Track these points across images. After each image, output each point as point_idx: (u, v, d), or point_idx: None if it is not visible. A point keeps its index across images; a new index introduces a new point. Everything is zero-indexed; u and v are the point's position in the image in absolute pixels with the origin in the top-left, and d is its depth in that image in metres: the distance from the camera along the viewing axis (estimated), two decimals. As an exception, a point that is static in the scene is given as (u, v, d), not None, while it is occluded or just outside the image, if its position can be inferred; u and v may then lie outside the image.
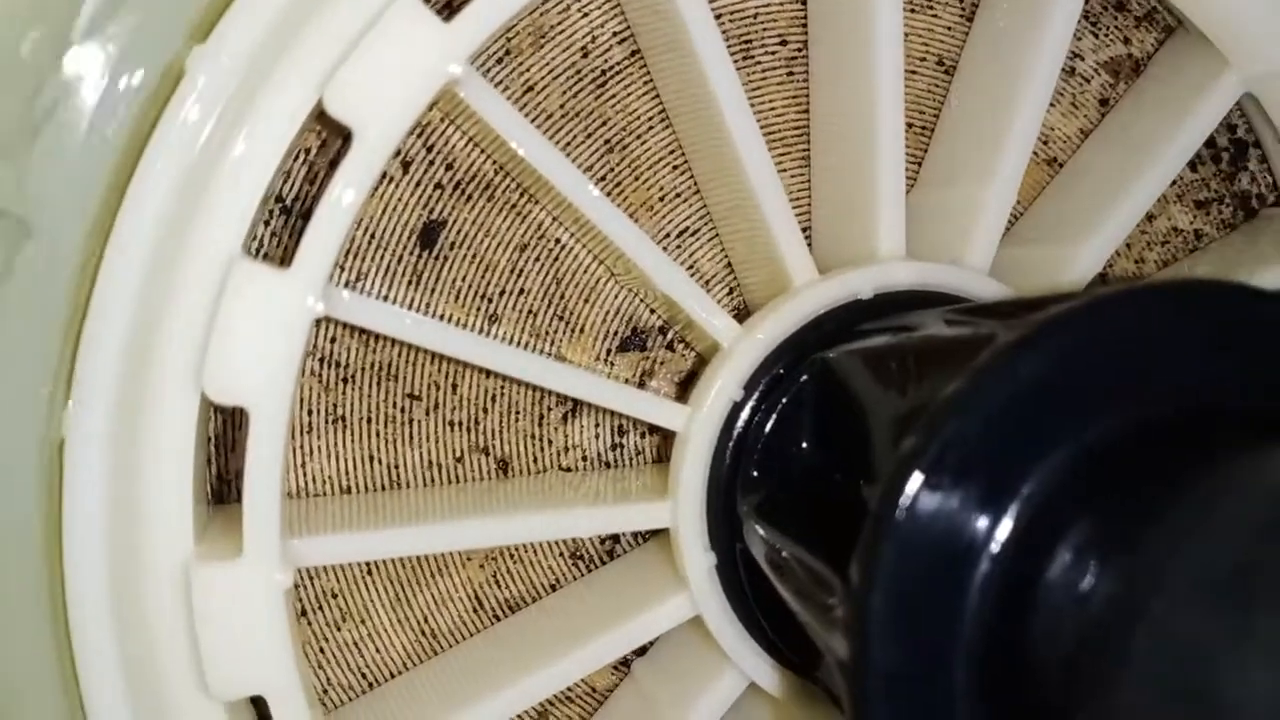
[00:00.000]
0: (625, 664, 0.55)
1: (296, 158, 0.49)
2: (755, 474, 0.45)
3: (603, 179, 0.53)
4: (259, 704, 0.46)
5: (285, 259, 0.42)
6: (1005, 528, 0.34)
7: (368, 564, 0.52)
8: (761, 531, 0.44)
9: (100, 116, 0.39)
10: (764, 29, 0.54)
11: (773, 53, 0.55)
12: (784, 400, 0.46)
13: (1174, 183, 0.59)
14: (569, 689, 0.55)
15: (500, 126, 0.43)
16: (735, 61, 0.50)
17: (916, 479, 0.33)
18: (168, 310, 0.40)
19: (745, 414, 0.46)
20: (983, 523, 0.33)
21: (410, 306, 0.51)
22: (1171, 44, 0.57)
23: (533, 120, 0.51)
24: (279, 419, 0.40)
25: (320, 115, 0.42)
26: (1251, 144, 0.59)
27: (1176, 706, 0.30)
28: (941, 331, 0.41)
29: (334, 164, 0.43)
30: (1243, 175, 0.60)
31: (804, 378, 0.45)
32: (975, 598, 0.34)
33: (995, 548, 0.34)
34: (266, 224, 0.49)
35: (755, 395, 0.46)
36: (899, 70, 0.48)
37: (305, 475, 0.51)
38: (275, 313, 0.40)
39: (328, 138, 0.49)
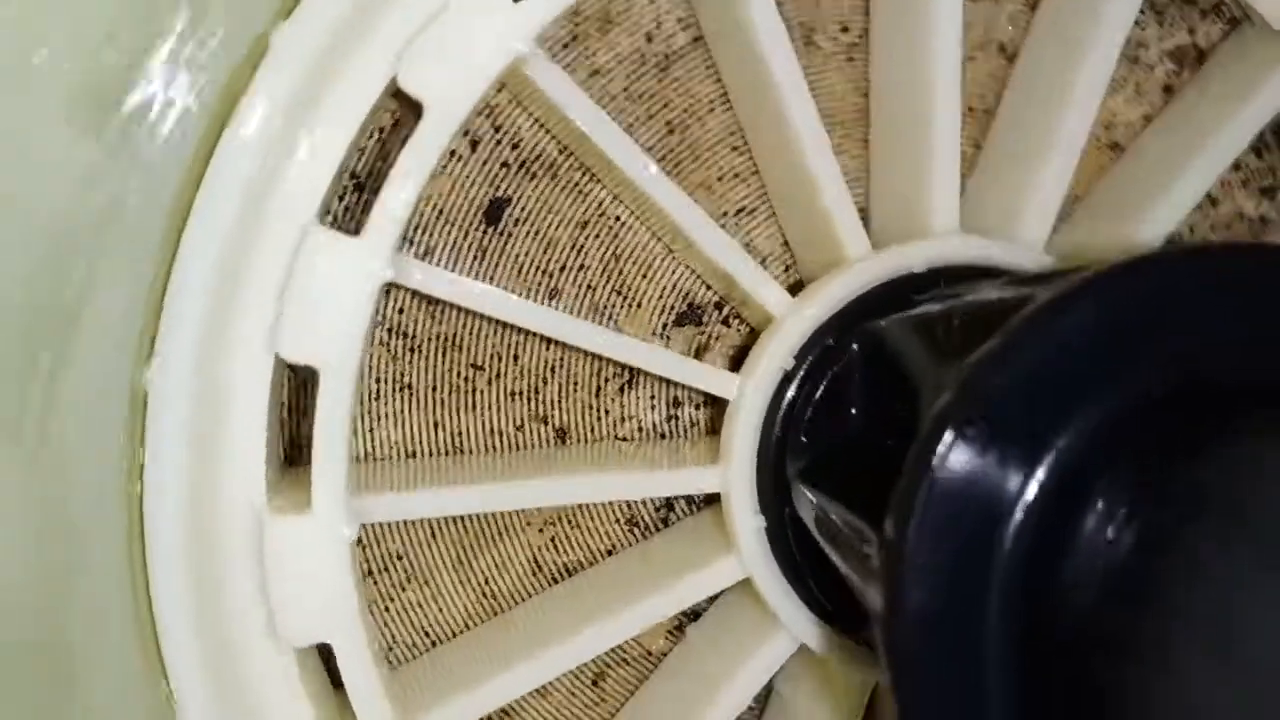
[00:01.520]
0: (680, 629, 0.57)
1: (371, 135, 0.51)
2: (804, 439, 0.47)
3: (663, 159, 0.54)
4: (328, 659, 0.48)
5: (357, 230, 0.44)
6: (1038, 479, 0.35)
7: (432, 528, 0.54)
8: (809, 494, 0.45)
9: (193, 89, 0.42)
10: (826, 16, 0.56)
11: (834, 39, 0.56)
12: (833, 370, 0.47)
13: (1239, 168, 0.59)
14: (625, 651, 0.56)
15: (562, 103, 0.45)
16: (797, 47, 0.51)
17: (950, 433, 0.34)
18: (247, 274, 0.42)
19: (796, 383, 0.47)
20: (1015, 473, 0.34)
21: (476, 280, 0.53)
22: (1237, 35, 0.57)
23: (597, 103, 0.53)
24: (347, 379, 0.42)
25: (395, 93, 0.44)
26: (1320, 132, 0.59)
27: (1206, 649, 0.30)
28: (988, 297, 0.42)
29: (405, 142, 0.46)
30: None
31: (854, 346, 0.46)
32: (1008, 544, 0.35)
33: (1028, 497, 0.35)
34: (341, 199, 0.51)
35: (806, 365, 0.47)
36: (956, 52, 0.49)
37: (373, 440, 0.53)
38: (345, 278, 0.42)
39: (401, 116, 0.51)
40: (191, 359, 0.42)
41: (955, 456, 0.34)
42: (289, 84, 0.42)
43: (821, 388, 0.47)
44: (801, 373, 0.47)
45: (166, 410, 0.42)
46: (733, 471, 0.47)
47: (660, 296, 0.55)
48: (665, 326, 0.55)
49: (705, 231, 0.48)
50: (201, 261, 0.42)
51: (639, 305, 0.55)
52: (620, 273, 0.55)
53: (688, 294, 0.55)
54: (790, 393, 0.47)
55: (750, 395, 0.47)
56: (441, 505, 0.48)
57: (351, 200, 0.51)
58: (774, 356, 0.47)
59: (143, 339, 0.43)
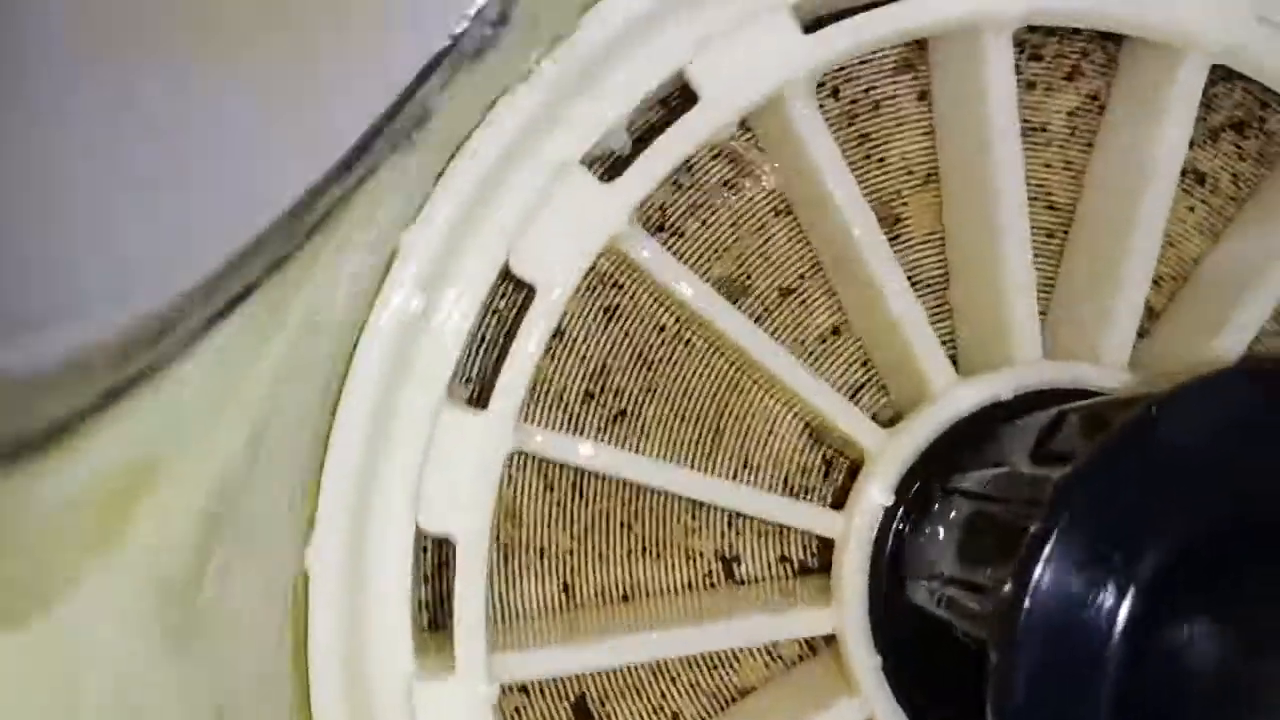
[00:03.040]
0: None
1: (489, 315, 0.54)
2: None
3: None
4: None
5: (483, 401, 0.48)
6: (1132, 600, 0.35)
7: None
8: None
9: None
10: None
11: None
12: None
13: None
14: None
15: (663, 277, 0.50)
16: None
17: (1042, 560, 0.35)
18: (389, 453, 0.47)
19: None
20: (1111, 596, 0.35)
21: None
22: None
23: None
24: (479, 546, 0.47)
25: (507, 274, 0.48)
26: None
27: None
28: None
29: (519, 316, 0.49)
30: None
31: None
32: (1109, 670, 0.35)
33: (1124, 613, 0.35)
34: (467, 378, 0.54)
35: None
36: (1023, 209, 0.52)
37: None
38: (475, 450, 0.47)
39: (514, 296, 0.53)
40: (345, 537, 0.47)
41: (1053, 573, 0.35)
42: (416, 280, 0.47)
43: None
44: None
45: (325, 588, 0.46)
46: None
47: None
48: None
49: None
50: (351, 445, 0.47)
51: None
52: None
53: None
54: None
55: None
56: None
57: (476, 376, 0.54)
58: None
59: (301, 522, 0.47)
